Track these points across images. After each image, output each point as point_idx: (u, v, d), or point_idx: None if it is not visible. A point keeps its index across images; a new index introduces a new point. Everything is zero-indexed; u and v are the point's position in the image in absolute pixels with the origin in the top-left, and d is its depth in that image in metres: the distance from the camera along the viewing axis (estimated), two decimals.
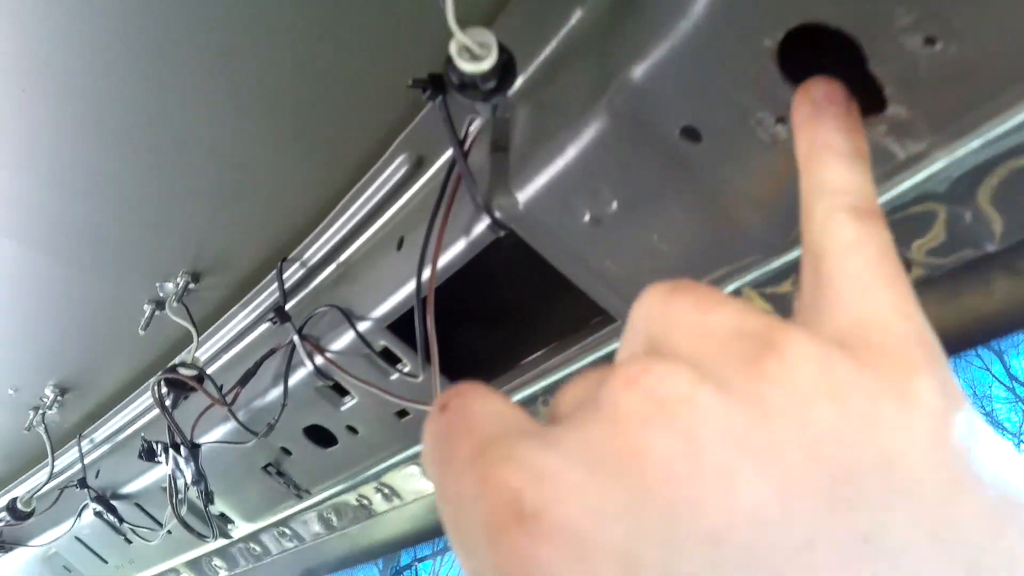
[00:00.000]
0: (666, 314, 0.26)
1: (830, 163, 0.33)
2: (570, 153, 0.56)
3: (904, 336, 0.25)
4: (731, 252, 0.57)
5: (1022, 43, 0.39)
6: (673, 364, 0.23)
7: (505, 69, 0.52)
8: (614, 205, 0.57)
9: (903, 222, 0.52)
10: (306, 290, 0.92)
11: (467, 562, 0.23)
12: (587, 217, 0.59)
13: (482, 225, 0.65)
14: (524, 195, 0.61)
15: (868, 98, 0.42)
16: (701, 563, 0.19)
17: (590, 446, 0.22)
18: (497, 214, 0.63)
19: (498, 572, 0.21)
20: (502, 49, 0.51)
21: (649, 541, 0.20)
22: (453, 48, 0.50)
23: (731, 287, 0.61)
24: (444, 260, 0.70)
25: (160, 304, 1.04)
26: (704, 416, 0.22)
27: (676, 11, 0.47)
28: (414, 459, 1.02)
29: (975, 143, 0.44)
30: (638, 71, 0.50)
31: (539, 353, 0.79)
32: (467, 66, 0.50)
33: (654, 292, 0.27)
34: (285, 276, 0.91)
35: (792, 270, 0.59)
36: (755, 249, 0.56)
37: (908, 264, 0.54)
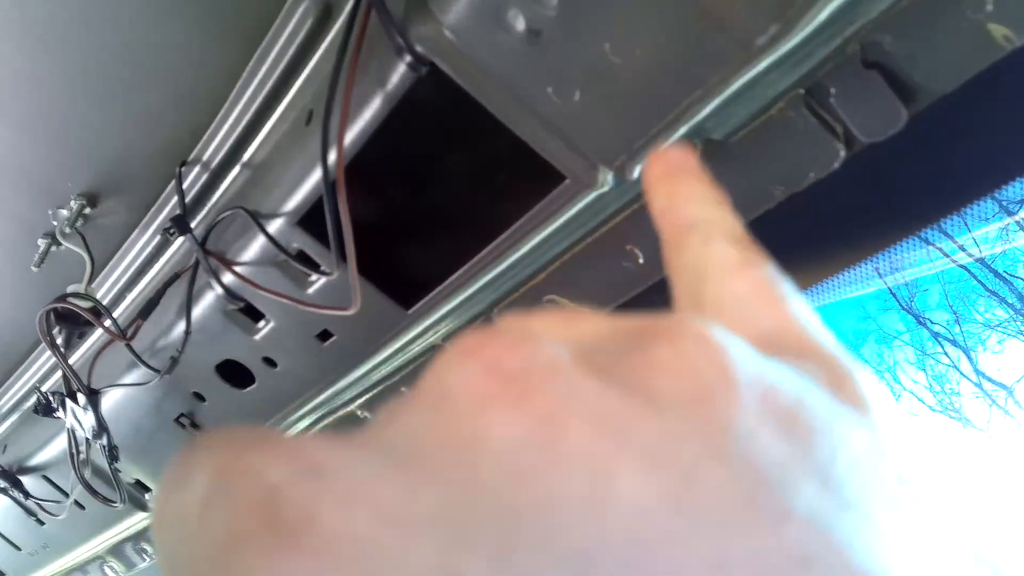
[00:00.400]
0: (522, 324, 0.21)
1: (696, 204, 0.28)
2: None
3: (815, 342, 0.21)
4: (703, 63, 0.46)
5: None
6: (528, 336, 0.18)
7: None
8: (554, 3, 0.46)
9: None
10: (211, 201, 0.80)
11: None
12: (522, 28, 0.47)
13: (400, 67, 0.53)
14: (449, 16, 0.50)
15: None
16: None
17: (400, 438, 0.16)
18: (417, 47, 0.52)
19: None
20: None
21: (480, 555, 0.14)
22: None
23: (682, 130, 0.50)
24: (357, 126, 0.59)
25: (55, 239, 0.91)
26: (571, 393, 0.16)
27: None
28: (346, 404, 0.90)
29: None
30: None
31: (483, 252, 0.67)
32: None
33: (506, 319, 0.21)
34: (186, 184, 0.79)
35: (773, 101, 0.49)
36: (733, 56, 0.45)
37: None
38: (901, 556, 0.15)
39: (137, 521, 1.26)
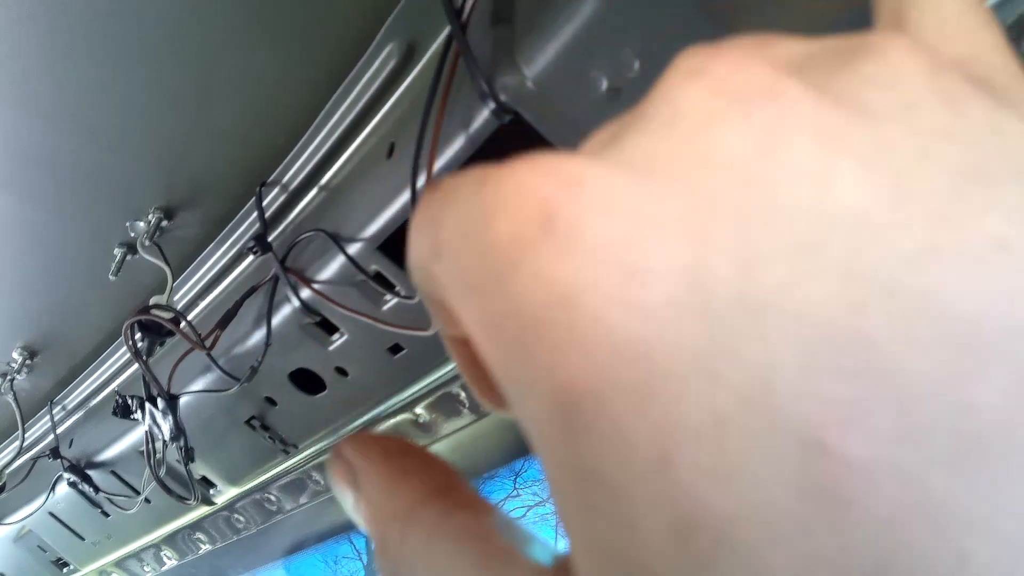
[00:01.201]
0: (728, 47, 0.20)
1: None
2: (586, 9, 0.50)
3: (1013, 69, 0.20)
4: None
5: None
6: (748, 54, 0.18)
7: None
8: (636, 66, 0.50)
9: None
10: (289, 218, 0.85)
11: (473, 312, 0.17)
12: (604, 86, 0.52)
13: (484, 112, 0.58)
14: (533, 69, 0.54)
15: None
16: (792, 272, 0.15)
17: (638, 155, 0.17)
18: (502, 96, 0.57)
19: (521, 304, 0.16)
20: None
21: (723, 253, 0.15)
22: None
23: None
24: (441, 162, 0.63)
25: (131, 247, 0.96)
26: (791, 110, 0.17)
27: None
28: (406, 407, 0.96)
29: None
30: None
31: None
32: None
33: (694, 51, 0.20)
34: (265, 203, 0.84)
35: None
36: None
37: None
38: None
39: (196, 514, 1.32)
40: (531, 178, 0.17)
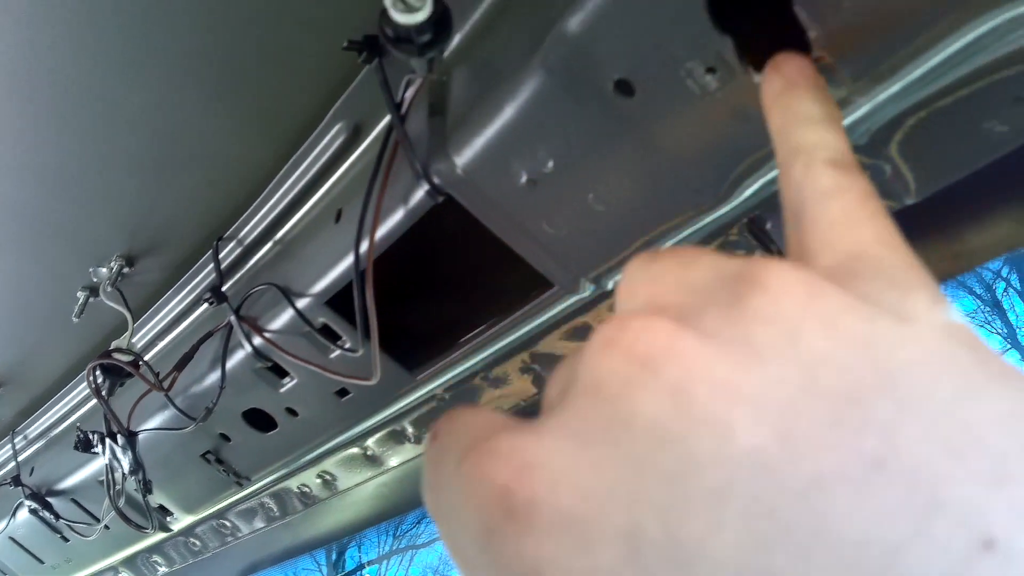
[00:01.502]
0: (648, 278, 0.26)
1: (805, 127, 0.32)
2: (507, 112, 0.57)
3: (892, 263, 0.24)
4: (665, 210, 0.58)
5: None
6: (649, 319, 0.22)
7: (440, 21, 0.52)
8: (550, 165, 0.57)
9: None
10: (243, 270, 0.91)
11: None
12: (524, 179, 0.59)
13: (420, 192, 0.65)
14: (462, 159, 0.61)
15: (792, 44, 0.42)
16: (707, 522, 0.18)
17: (576, 423, 0.21)
18: (435, 179, 0.63)
19: None
20: (437, 1, 0.51)
21: (651, 511, 0.19)
22: (387, 0, 0.50)
23: (650, 247, 0.62)
24: (382, 231, 0.70)
25: (94, 290, 1.01)
26: (690, 367, 0.20)
27: None
28: (354, 441, 1.02)
29: (894, 88, 0.45)
30: (572, 23, 0.50)
31: (479, 328, 0.79)
32: (402, 17, 0.50)
33: (635, 262, 0.27)
34: (221, 256, 0.90)
35: (724, 229, 0.60)
36: (688, 206, 0.57)
37: None
38: (953, 450, 0.18)
39: (153, 539, 1.37)
40: (493, 467, 0.21)
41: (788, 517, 0.18)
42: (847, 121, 0.48)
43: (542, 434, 0.22)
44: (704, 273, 0.24)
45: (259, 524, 1.27)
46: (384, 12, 0.51)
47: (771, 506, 0.18)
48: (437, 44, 0.52)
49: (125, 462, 1.01)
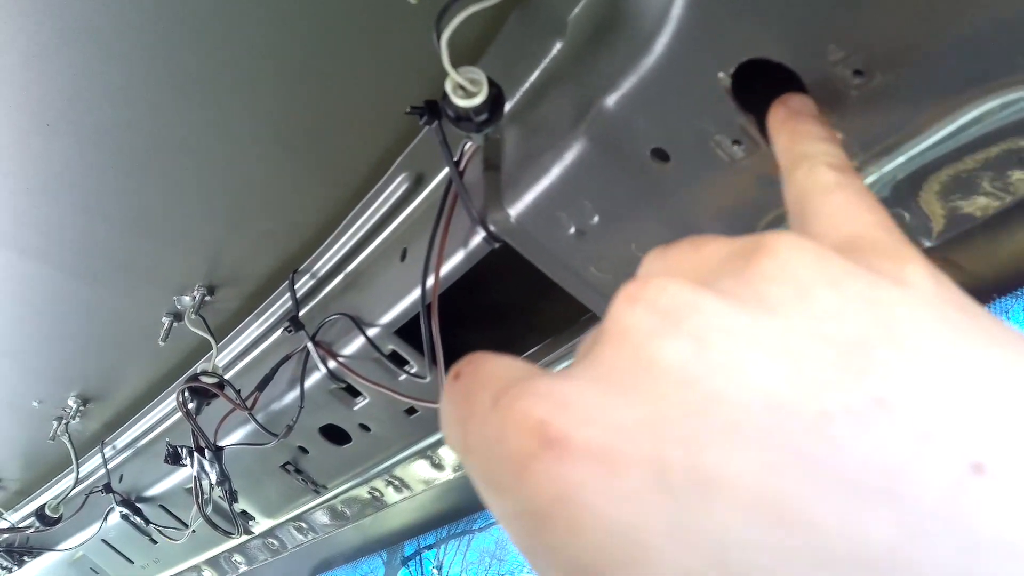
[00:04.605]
0: (664, 262, 0.28)
1: (808, 141, 0.37)
2: (554, 173, 0.63)
3: (889, 242, 0.27)
4: None
5: (932, 75, 0.45)
6: (670, 278, 0.24)
7: (495, 102, 0.58)
8: (596, 219, 0.64)
9: None
10: (317, 299, 0.99)
11: (500, 507, 0.23)
12: (572, 230, 0.65)
13: (478, 238, 0.71)
14: (515, 210, 0.67)
15: None
16: (724, 451, 0.20)
17: (604, 369, 0.23)
18: (492, 228, 0.70)
19: (533, 503, 0.21)
20: (491, 84, 0.58)
21: (674, 443, 0.20)
22: (448, 86, 0.57)
23: None
24: (445, 270, 0.77)
25: (178, 316, 1.10)
26: (709, 318, 0.22)
27: (641, 47, 0.53)
28: (422, 453, 1.09)
29: (899, 159, 0.51)
30: (611, 100, 0.57)
31: (534, 350, 0.86)
32: (461, 102, 0.57)
33: (651, 252, 0.30)
34: (296, 287, 0.98)
35: None
36: None
37: None
38: (946, 389, 0.20)
39: (235, 541, 1.46)
40: (530, 404, 0.22)
41: (797, 446, 0.19)
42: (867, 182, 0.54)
43: (574, 376, 0.23)
44: (717, 249, 0.26)
45: (333, 525, 1.35)
46: (445, 96, 0.57)
47: (782, 437, 0.20)
48: (492, 121, 0.59)
49: (213, 474, 1.10)
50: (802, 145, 0.37)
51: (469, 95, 0.57)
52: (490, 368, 0.26)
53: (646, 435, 0.21)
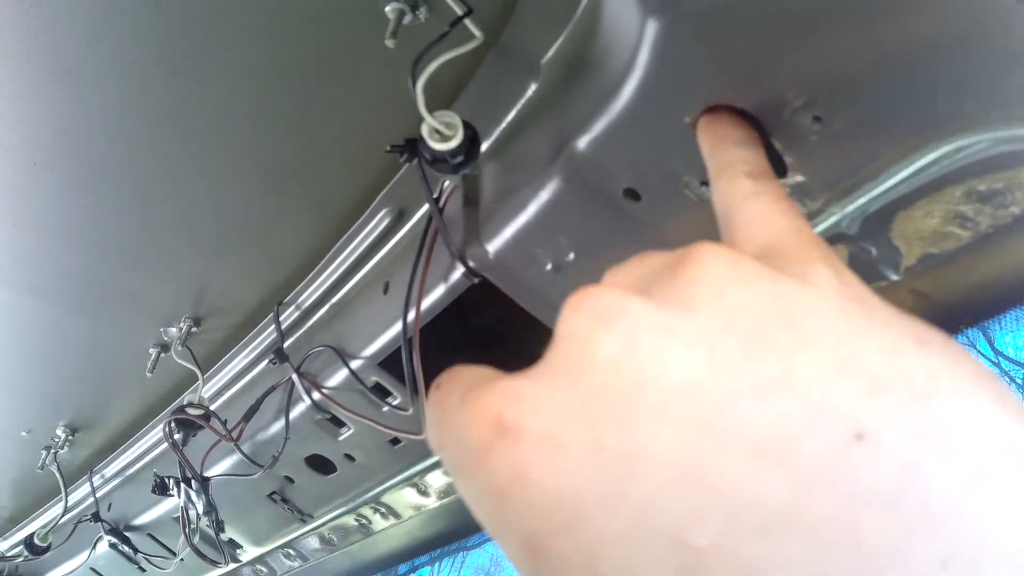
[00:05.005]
0: (614, 275, 0.32)
1: (729, 147, 0.41)
2: (531, 210, 0.64)
3: (799, 246, 0.31)
4: None
5: (891, 120, 0.47)
6: (607, 287, 0.28)
7: (471, 144, 0.60)
8: (571, 255, 0.65)
9: None
10: (301, 330, 1.00)
11: (468, 489, 0.26)
12: (549, 266, 0.67)
13: (458, 273, 0.73)
14: (493, 246, 0.69)
15: (773, 166, 0.50)
16: (650, 431, 0.23)
17: (552, 367, 0.26)
18: (471, 263, 0.71)
19: (492, 481, 0.25)
20: (467, 126, 0.59)
21: (608, 427, 0.24)
22: (424, 130, 0.58)
23: None
24: (426, 304, 0.78)
25: (165, 347, 1.11)
26: (638, 318, 0.26)
27: (611, 92, 0.55)
28: (408, 480, 1.10)
29: (861, 199, 0.52)
30: (583, 142, 0.58)
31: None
32: (437, 145, 0.58)
33: (610, 269, 0.33)
34: (282, 318, 0.99)
35: None
36: None
37: None
38: (838, 372, 0.23)
39: (223, 569, 1.46)
40: (490, 400, 0.26)
41: (710, 421, 0.23)
42: (829, 222, 0.56)
43: (528, 375, 0.27)
44: (656, 260, 0.30)
45: (321, 552, 1.36)
46: (421, 139, 0.59)
47: (697, 414, 0.23)
48: (468, 163, 0.60)
49: (199, 504, 1.11)
50: (722, 152, 0.41)
51: (445, 138, 0.58)
52: (463, 375, 0.29)
53: (585, 420, 0.24)
